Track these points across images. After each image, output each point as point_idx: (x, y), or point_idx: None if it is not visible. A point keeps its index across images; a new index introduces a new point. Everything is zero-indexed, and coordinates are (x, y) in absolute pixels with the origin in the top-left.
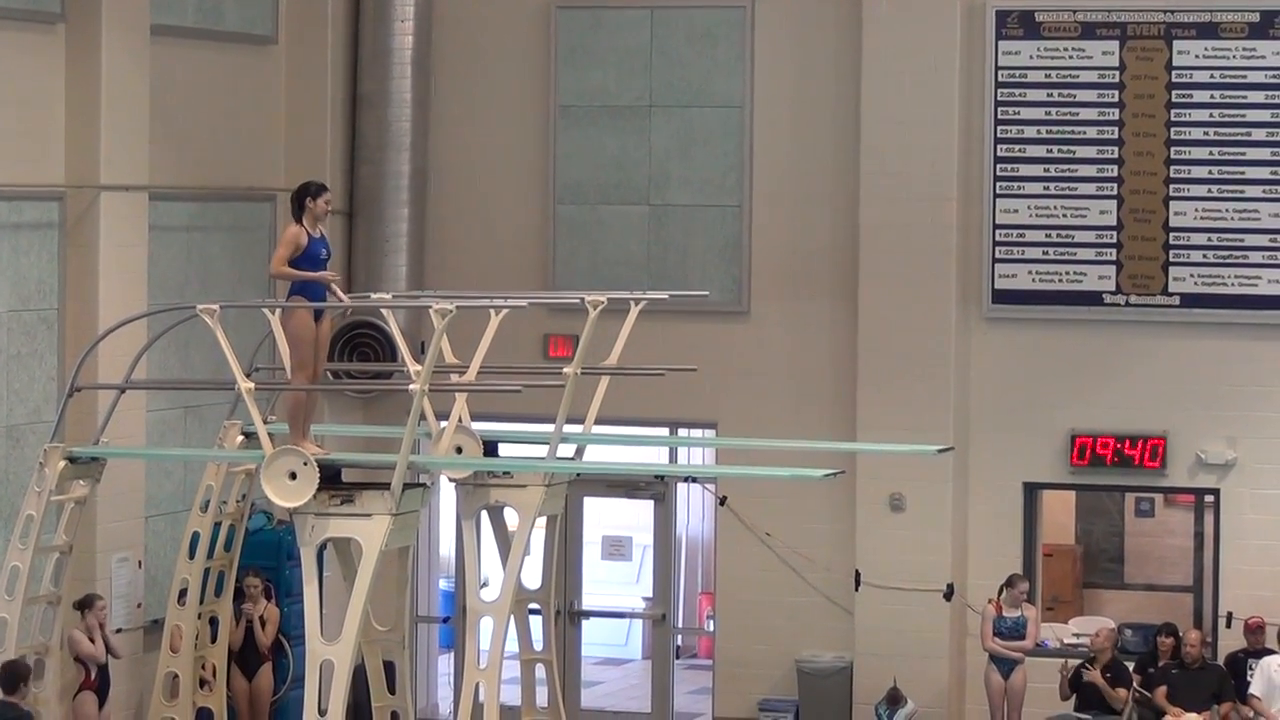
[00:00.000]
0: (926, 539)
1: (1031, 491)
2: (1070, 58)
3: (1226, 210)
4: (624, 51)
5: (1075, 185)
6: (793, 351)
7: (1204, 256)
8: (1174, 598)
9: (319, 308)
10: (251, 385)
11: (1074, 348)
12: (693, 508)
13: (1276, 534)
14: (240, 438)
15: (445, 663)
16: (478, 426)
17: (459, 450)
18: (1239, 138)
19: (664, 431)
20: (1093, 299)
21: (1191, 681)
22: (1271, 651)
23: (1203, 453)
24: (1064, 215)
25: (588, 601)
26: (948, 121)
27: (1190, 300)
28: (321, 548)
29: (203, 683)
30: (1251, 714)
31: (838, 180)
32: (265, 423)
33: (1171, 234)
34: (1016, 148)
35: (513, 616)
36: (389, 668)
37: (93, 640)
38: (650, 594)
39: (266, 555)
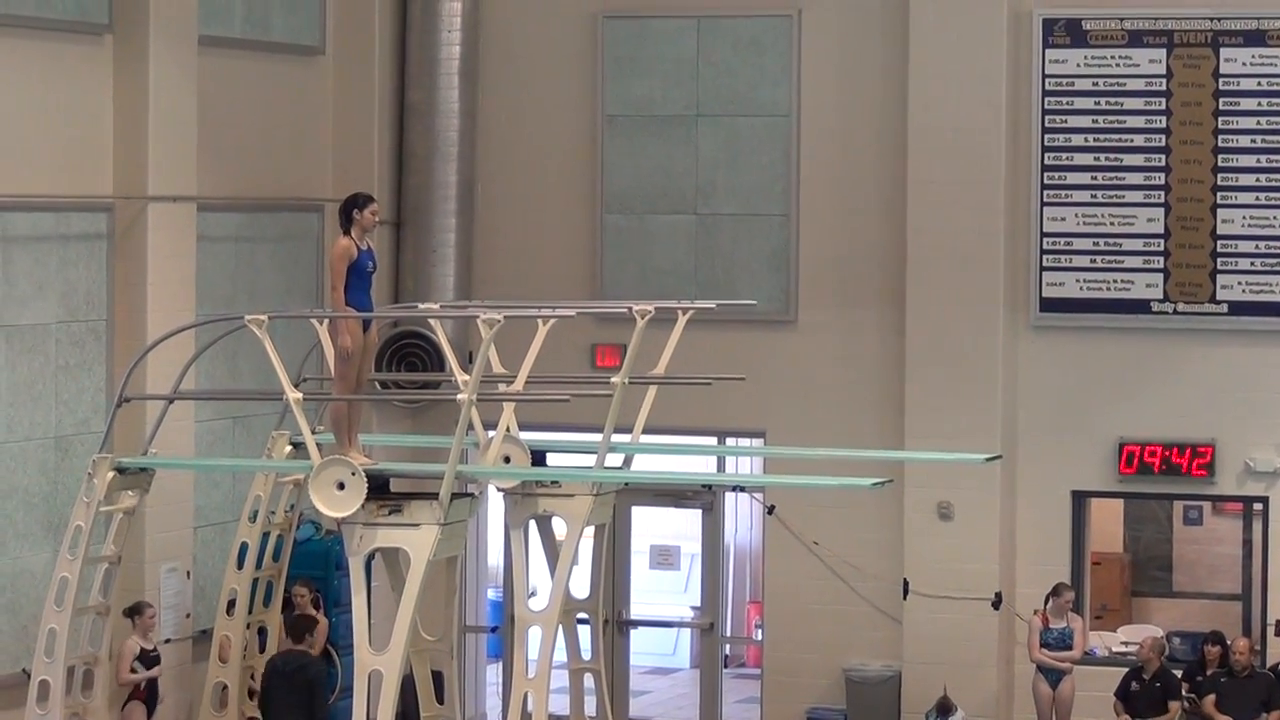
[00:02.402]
0: (974, 547)
1: (1079, 500)
2: (1117, 66)
3: (1274, 218)
4: (670, 61)
5: (1122, 193)
6: (840, 360)
7: (1252, 264)
8: (1222, 606)
9: (367, 318)
10: (299, 396)
11: (1122, 356)
12: (740, 517)
13: None
14: (288, 448)
15: (494, 672)
16: (525, 436)
17: (507, 460)
18: None
19: (712, 440)
20: (1140, 307)
21: (1240, 690)
22: None
23: (1251, 461)
24: (1111, 223)
25: (636, 611)
26: (995, 130)
27: (1238, 308)
28: (369, 557)
29: (251, 693)
30: None
31: (885, 189)
32: (313, 433)
33: (1219, 242)
34: (1064, 156)
35: (561, 626)
36: (437, 677)
37: (144, 646)
38: (698, 603)
39: (315, 565)
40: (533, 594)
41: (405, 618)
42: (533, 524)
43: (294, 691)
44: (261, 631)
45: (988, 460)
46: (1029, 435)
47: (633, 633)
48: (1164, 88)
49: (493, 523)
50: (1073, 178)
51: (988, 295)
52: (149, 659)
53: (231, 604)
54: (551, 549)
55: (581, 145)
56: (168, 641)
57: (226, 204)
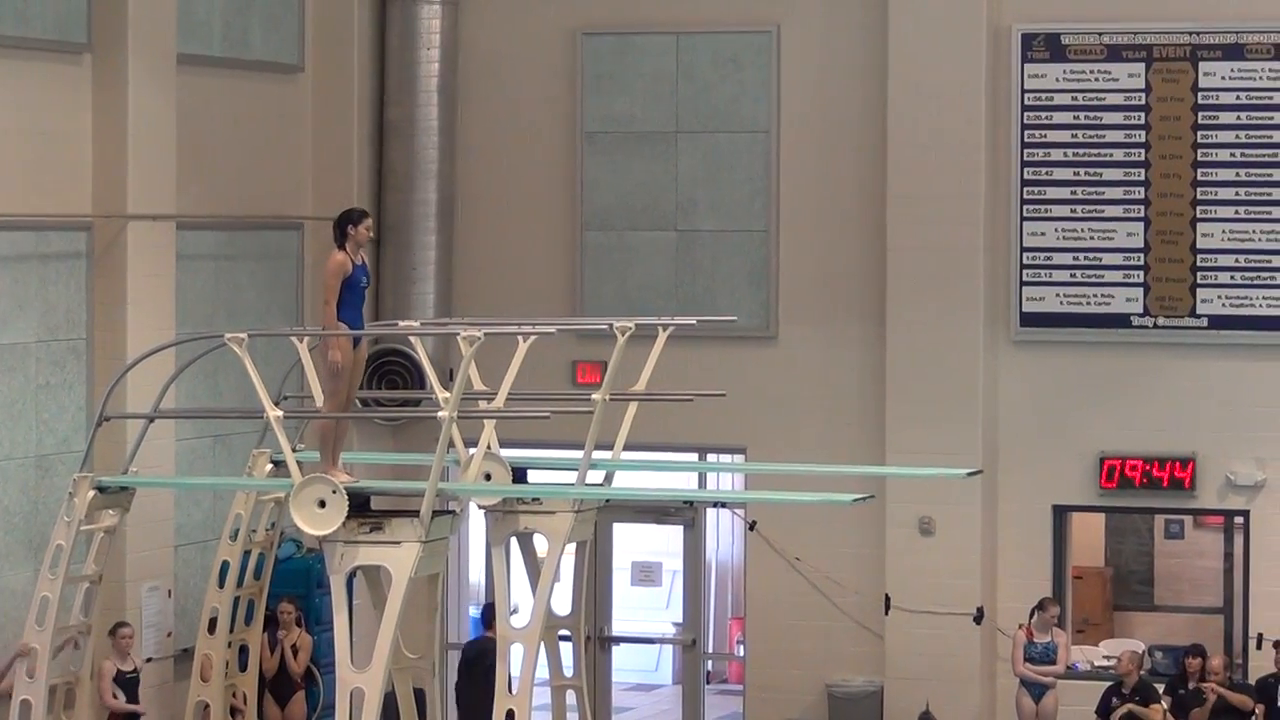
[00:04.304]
0: (956, 562)
1: (1061, 514)
2: (1096, 80)
3: (1254, 231)
4: (650, 77)
5: (1102, 208)
6: (821, 375)
7: (1231, 278)
8: (1204, 619)
9: (345, 336)
10: (280, 414)
11: (1102, 370)
12: (722, 533)
13: None
14: (269, 466)
15: None
16: (506, 453)
17: (488, 477)
18: (1266, 159)
19: (693, 457)
20: (1120, 321)
21: (1223, 704)
22: None
23: (1232, 474)
24: (1091, 237)
25: (618, 627)
26: (974, 144)
27: (1218, 322)
28: (351, 575)
29: (234, 711)
30: None
31: (865, 204)
32: (294, 451)
33: (1199, 255)
34: (1043, 170)
35: (543, 643)
36: (419, 695)
37: (121, 668)
38: (680, 619)
39: (296, 583)
40: (514, 611)
41: (387, 635)
42: (514, 541)
43: (482, 673)
44: (243, 650)
45: (969, 475)
46: (1010, 450)
47: (615, 649)
48: (1143, 102)
49: (474, 540)
50: (1052, 192)
51: (968, 310)
52: (126, 680)
53: (213, 622)
54: (533, 566)
55: (561, 162)
56: (149, 660)
57: (206, 222)
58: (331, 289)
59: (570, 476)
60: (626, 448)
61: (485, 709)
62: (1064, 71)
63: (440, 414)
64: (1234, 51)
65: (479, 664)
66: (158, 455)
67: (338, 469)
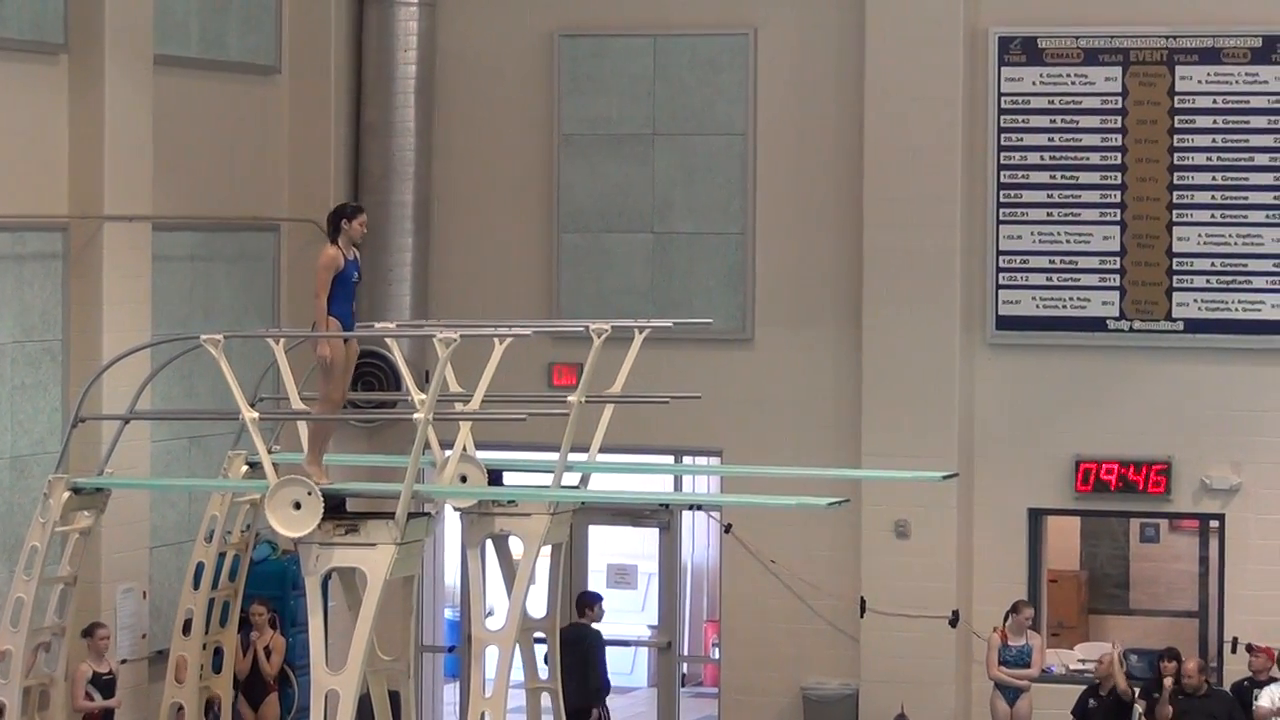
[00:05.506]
0: (931, 565)
1: (1036, 517)
2: (1073, 83)
3: (1230, 235)
4: (627, 79)
5: (1078, 211)
6: (797, 378)
7: (1207, 281)
8: (1179, 623)
9: (325, 336)
10: (256, 415)
11: (1078, 373)
12: (698, 535)
13: None
14: (245, 468)
15: (451, 692)
16: (482, 455)
17: (463, 479)
18: (1242, 163)
19: (669, 459)
20: (1096, 324)
21: (1198, 709)
22: (1276, 680)
23: (1207, 478)
24: (1067, 241)
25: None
26: (951, 148)
27: (1194, 325)
28: (326, 577)
29: (208, 710)
30: None
31: (841, 207)
32: (270, 452)
33: (1175, 259)
34: (1019, 173)
35: (518, 645)
36: (394, 697)
37: (97, 670)
38: (655, 622)
39: (271, 585)
40: (489, 613)
41: (362, 637)
42: (489, 543)
43: (576, 657)
44: (218, 652)
45: (944, 478)
46: (985, 453)
47: None
48: (1119, 105)
49: (449, 542)
50: (1029, 195)
51: (944, 313)
52: (103, 682)
53: (188, 624)
54: (508, 568)
55: (538, 164)
56: (124, 662)
57: (182, 223)
58: (322, 283)
59: (546, 479)
60: (602, 450)
61: (584, 688)
62: (1040, 75)
63: (416, 416)
64: (1210, 55)
65: (578, 647)
66: (133, 456)
67: (320, 468)
